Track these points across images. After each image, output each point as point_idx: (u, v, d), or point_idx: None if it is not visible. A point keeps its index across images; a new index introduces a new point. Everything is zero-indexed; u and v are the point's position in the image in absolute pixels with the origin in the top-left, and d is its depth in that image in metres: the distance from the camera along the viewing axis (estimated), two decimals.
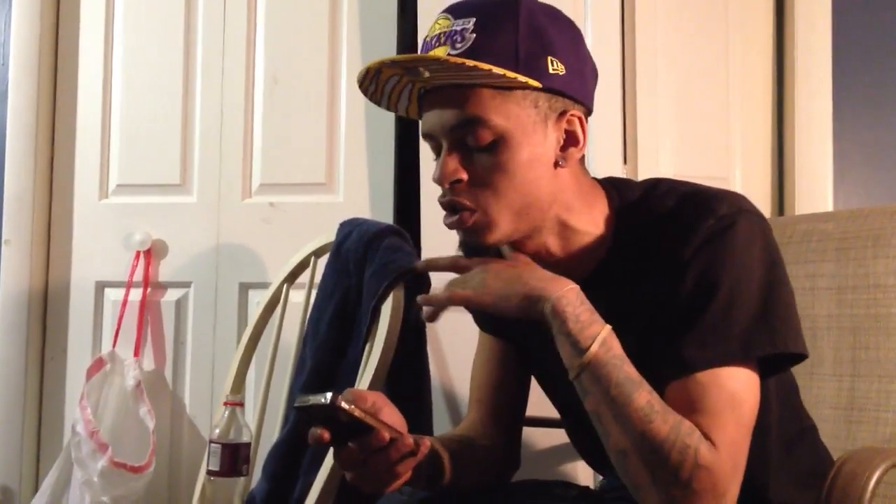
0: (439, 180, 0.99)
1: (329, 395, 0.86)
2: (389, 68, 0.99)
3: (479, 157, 0.98)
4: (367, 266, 1.64)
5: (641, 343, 0.95)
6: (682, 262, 0.96)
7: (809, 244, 1.50)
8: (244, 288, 2.13)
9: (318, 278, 1.77)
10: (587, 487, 1.31)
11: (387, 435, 0.91)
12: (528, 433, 1.76)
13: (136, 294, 2.13)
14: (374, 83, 1.02)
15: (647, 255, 1.00)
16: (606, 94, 1.96)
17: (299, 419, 1.34)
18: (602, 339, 0.92)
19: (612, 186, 1.08)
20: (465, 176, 0.98)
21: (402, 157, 2.07)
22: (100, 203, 2.21)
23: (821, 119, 2.05)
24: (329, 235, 1.77)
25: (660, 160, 2.00)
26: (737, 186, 2.07)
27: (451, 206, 1.00)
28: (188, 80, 2.18)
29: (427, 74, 0.98)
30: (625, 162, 1.97)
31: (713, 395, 0.92)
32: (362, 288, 1.63)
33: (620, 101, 1.97)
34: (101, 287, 2.19)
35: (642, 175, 1.96)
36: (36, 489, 2.09)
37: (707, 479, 0.88)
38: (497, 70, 0.93)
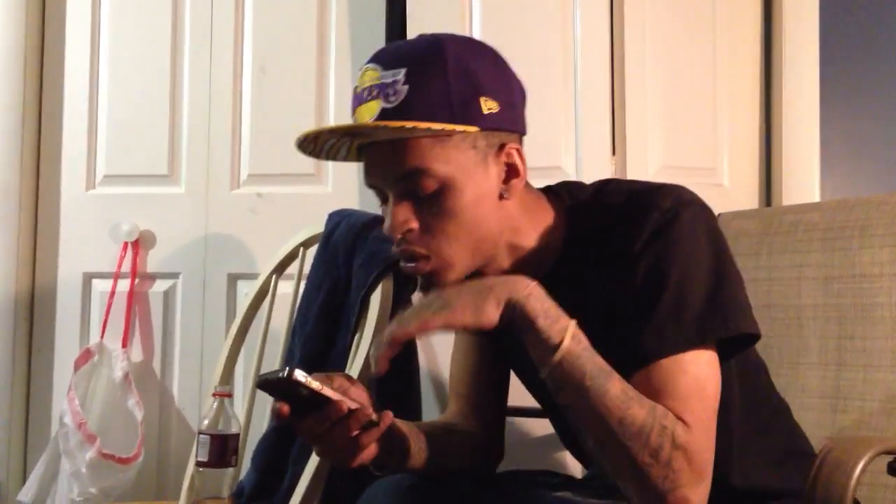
0: (390, 231, 1.01)
1: (286, 369, 0.90)
2: (328, 134, 1.01)
3: (426, 204, 1.00)
4: (356, 257, 1.64)
5: (598, 338, 0.97)
6: (632, 256, 0.98)
7: (796, 234, 1.51)
8: (232, 279, 2.13)
9: (306, 269, 1.77)
10: (571, 476, 1.32)
11: (345, 406, 0.95)
12: (515, 423, 1.78)
13: (123, 285, 2.12)
14: (312, 144, 1.04)
15: (598, 251, 1.03)
16: (595, 86, 1.97)
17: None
18: (572, 333, 0.93)
19: (564, 189, 1.10)
20: (415, 225, 1.00)
21: None
22: (87, 194, 2.20)
23: (808, 110, 2.06)
24: (318, 226, 1.76)
25: (648, 152, 2.01)
26: (724, 178, 2.08)
27: (406, 255, 1.02)
28: (175, 71, 2.17)
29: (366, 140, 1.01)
30: (613, 154, 1.97)
31: (677, 380, 0.94)
32: (351, 279, 1.63)
33: (609, 94, 1.98)
34: (88, 278, 2.18)
35: (631, 167, 1.97)
36: (23, 481, 2.09)
37: (685, 459, 0.91)
38: (434, 126, 0.95)
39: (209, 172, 2.15)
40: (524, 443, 1.84)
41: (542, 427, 1.79)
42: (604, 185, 1.08)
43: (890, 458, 0.99)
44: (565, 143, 1.95)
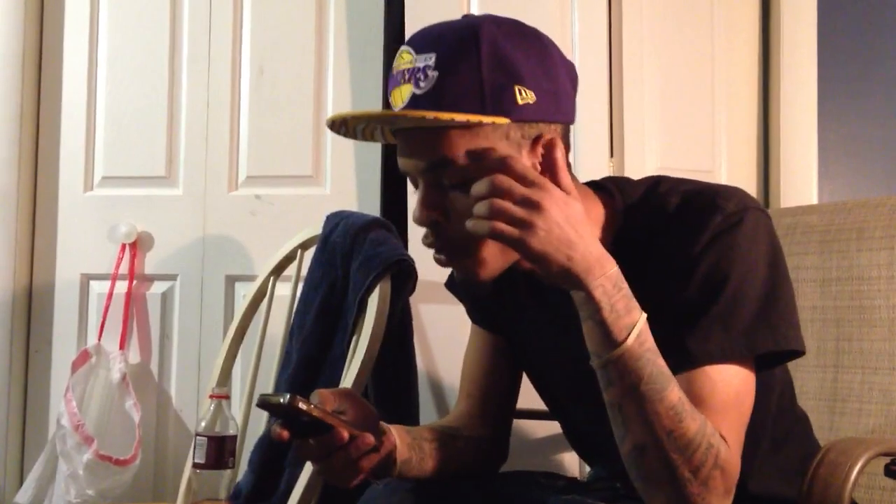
0: (419, 222, 0.99)
1: (287, 395, 0.89)
2: (354, 120, 0.98)
3: (456, 195, 0.96)
4: (354, 258, 1.64)
5: None
6: (691, 259, 0.96)
7: (794, 237, 1.51)
8: (230, 281, 2.12)
9: (304, 271, 1.76)
10: (574, 478, 1.32)
11: (345, 434, 0.93)
12: (519, 424, 1.78)
13: (121, 287, 2.12)
14: (343, 127, 1.02)
15: (653, 252, 1.00)
16: (593, 88, 1.97)
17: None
18: (638, 331, 0.89)
19: (613, 186, 1.07)
20: (441, 218, 0.97)
21: (389, 150, 2.07)
22: (85, 195, 2.20)
23: (805, 113, 2.07)
24: (316, 228, 1.76)
25: (646, 154, 2.01)
26: (722, 180, 2.08)
27: (435, 248, 0.99)
28: (174, 72, 2.17)
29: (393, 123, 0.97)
30: (611, 156, 1.97)
31: (720, 391, 0.93)
32: (349, 280, 1.63)
33: (607, 95, 1.98)
34: (86, 280, 2.18)
35: (629, 168, 1.97)
36: (21, 482, 2.08)
37: (721, 478, 0.90)
38: (460, 117, 0.92)
39: (207, 174, 2.14)
40: (525, 444, 1.84)
41: (543, 428, 1.79)
42: (655, 184, 1.05)
43: (887, 459, 0.99)
44: None
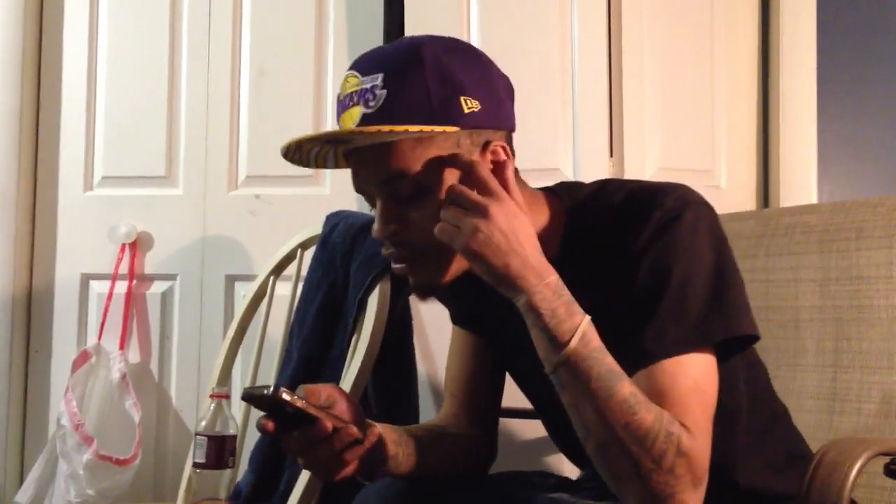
0: (377, 235, 1.02)
1: (271, 387, 0.90)
2: (309, 143, 1.02)
3: (412, 205, 0.99)
4: (354, 258, 1.64)
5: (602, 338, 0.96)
6: (634, 255, 0.98)
7: (793, 236, 1.51)
8: (230, 280, 2.12)
9: (304, 271, 1.77)
10: (566, 478, 1.32)
11: (329, 425, 0.95)
12: (509, 424, 1.78)
13: (121, 286, 2.12)
14: (297, 153, 1.06)
15: (599, 251, 1.02)
16: (592, 88, 1.97)
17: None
18: (581, 333, 0.92)
19: (562, 189, 1.10)
20: (400, 228, 1.00)
21: None
22: (85, 195, 2.20)
23: (805, 112, 2.07)
24: (316, 228, 1.76)
25: (646, 154, 2.01)
26: (722, 179, 2.08)
27: (398, 257, 1.02)
28: (173, 72, 2.17)
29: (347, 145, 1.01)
30: (611, 156, 1.98)
31: (679, 382, 0.94)
32: (349, 280, 1.64)
33: (606, 96, 1.98)
34: (86, 279, 2.18)
35: (629, 168, 1.97)
36: (21, 482, 2.08)
37: (687, 465, 0.90)
38: (412, 128, 0.95)
39: (207, 174, 2.15)
40: (517, 444, 1.84)
41: (534, 428, 1.78)
42: (604, 185, 1.08)
43: (886, 459, 0.99)
44: (563, 145, 1.95)
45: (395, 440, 1.11)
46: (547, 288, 0.93)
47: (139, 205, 2.16)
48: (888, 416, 1.35)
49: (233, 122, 2.14)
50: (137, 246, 2.14)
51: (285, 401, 0.91)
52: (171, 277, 2.15)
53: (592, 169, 1.90)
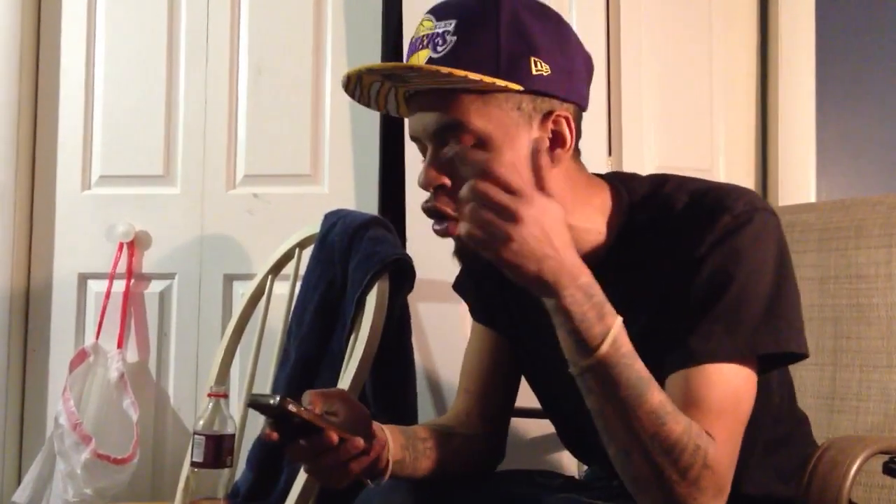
0: (423, 185, 0.99)
1: (278, 397, 0.89)
2: (369, 76, 0.99)
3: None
4: (352, 257, 1.63)
5: (646, 338, 0.95)
6: (697, 258, 0.96)
7: (792, 235, 1.51)
8: (228, 279, 2.12)
9: (302, 269, 1.76)
10: (571, 477, 1.32)
11: (335, 437, 0.94)
12: (517, 423, 1.77)
13: (119, 286, 2.12)
14: (357, 88, 1.02)
15: (657, 249, 1.00)
16: (591, 86, 1.97)
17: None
18: (612, 338, 0.87)
19: (618, 182, 1.07)
20: (447, 181, 0.98)
21: (387, 148, 2.07)
22: (82, 194, 2.19)
23: (804, 111, 2.07)
24: (314, 227, 1.76)
25: (644, 152, 2.01)
26: (720, 177, 2.08)
27: (434, 213, 0.99)
28: (171, 71, 2.17)
29: (407, 81, 0.97)
30: (609, 154, 1.97)
31: (718, 391, 0.92)
32: (347, 279, 1.63)
33: (605, 93, 1.98)
34: (83, 279, 2.17)
35: (627, 167, 1.97)
36: (18, 482, 2.08)
37: (711, 478, 0.89)
38: (472, 76, 0.93)
39: (205, 173, 2.14)
40: (522, 443, 1.84)
41: (540, 427, 1.79)
42: (661, 182, 1.05)
43: (885, 457, 0.99)
44: None
45: (402, 444, 1.10)
46: (579, 290, 0.88)
47: (137, 204, 2.16)
48: (887, 415, 1.35)
49: (231, 120, 2.14)
50: (135, 245, 2.14)
51: (291, 412, 0.90)
52: (169, 276, 2.15)
53: (591, 167, 1.88)
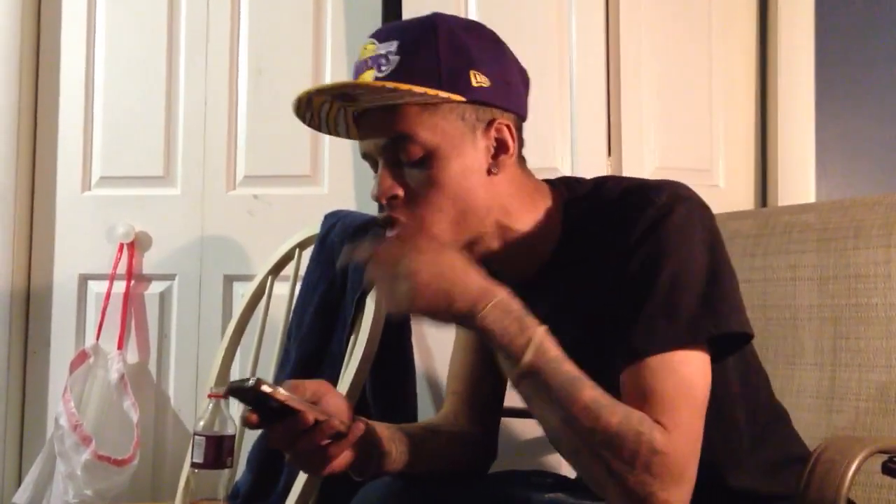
0: (376, 197, 1.02)
1: (253, 379, 0.92)
2: (318, 97, 1.02)
3: (413, 172, 1.01)
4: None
5: (595, 334, 0.96)
6: (626, 251, 0.98)
7: (791, 235, 1.52)
8: (228, 280, 2.12)
9: (302, 270, 1.76)
10: (565, 477, 1.32)
11: (311, 417, 0.95)
12: (507, 423, 1.78)
13: (119, 287, 2.12)
14: (309, 111, 1.05)
15: (594, 246, 1.02)
16: (590, 87, 1.97)
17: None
18: (535, 346, 0.92)
19: (562, 184, 1.11)
20: (400, 192, 1.01)
21: None
22: (82, 195, 2.20)
23: (803, 111, 2.07)
24: (314, 227, 1.76)
25: (644, 153, 2.01)
26: (720, 179, 2.08)
27: (390, 222, 1.02)
28: (171, 72, 2.17)
29: (355, 99, 1.01)
30: (609, 155, 1.98)
31: (665, 379, 0.93)
32: (346, 279, 1.64)
33: (604, 94, 1.98)
34: (84, 280, 2.18)
35: (627, 168, 1.97)
36: (19, 483, 2.08)
37: (663, 464, 0.90)
38: (417, 89, 0.97)
39: (205, 174, 2.14)
40: (516, 443, 1.84)
41: (533, 428, 1.79)
42: (602, 181, 1.09)
43: (884, 457, 0.99)
44: (561, 144, 1.95)
45: (388, 437, 1.11)
46: (495, 309, 0.93)
47: (137, 205, 2.16)
48: (886, 415, 1.35)
49: (231, 121, 2.14)
50: (135, 246, 2.14)
51: (266, 393, 0.92)
52: (170, 277, 2.15)
53: (590, 168, 1.90)
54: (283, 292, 1.75)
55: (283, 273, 1.80)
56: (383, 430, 1.11)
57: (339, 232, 1.69)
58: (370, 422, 1.10)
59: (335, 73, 2.09)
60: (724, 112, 2.10)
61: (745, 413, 1.10)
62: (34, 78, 2.23)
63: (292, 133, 2.09)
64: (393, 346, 1.63)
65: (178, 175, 2.16)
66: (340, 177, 2.09)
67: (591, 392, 0.91)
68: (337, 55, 2.09)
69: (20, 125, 2.18)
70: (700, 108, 2.09)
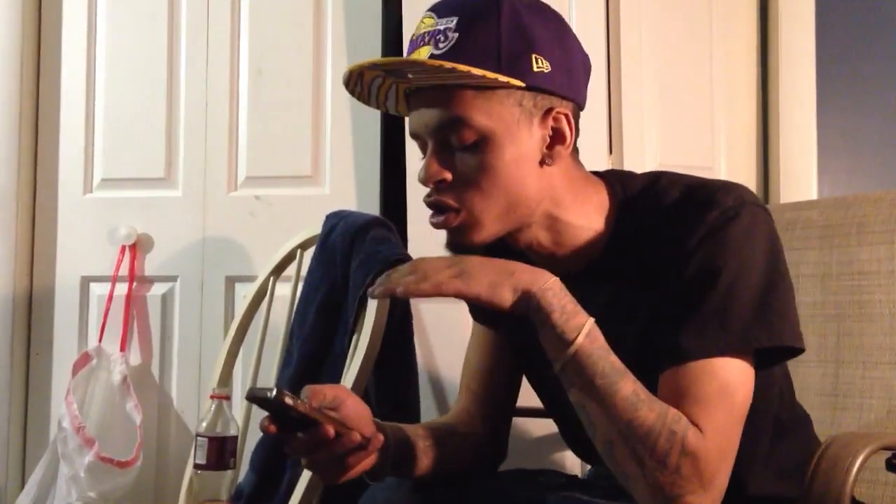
0: (424, 181, 1.00)
1: (275, 390, 0.90)
2: (371, 71, 0.99)
3: (464, 156, 0.98)
4: (354, 258, 1.64)
5: (643, 333, 0.95)
6: (685, 253, 0.96)
7: (794, 232, 1.51)
8: (230, 281, 2.12)
9: (304, 271, 1.76)
10: (575, 476, 1.32)
11: (332, 430, 0.94)
12: (518, 423, 1.77)
13: (121, 288, 2.12)
14: (358, 84, 1.03)
15: (650, 245, 1.00)
16: (591, 84, 1.96)
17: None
18: (587, 330, 0.92)
19: (614, 179, 1.08)
20: (449, 176, 0.99)
21: (388, 149, 2.07)
22: (84, 197, 2.20)
23: (804, 108, 2.06)
24: (315, 228, 1.76)
25: (645, 150, 2.00)
26: (722, 175, 2.07)
27: (436, 206, 1.00)
28: (172, 73, 2.17)
29: (410, 76, 0.98)
30: (610, 152, 1.97)
31: (704, 383, 0.92)
32: (348, 280, 1.63)
33: (605, 91, 1.97)
34: (86, 282, 2.18)
35: (628, 165, 1.97)
36: (22, 485, 2.08)
37: (694, 466, 0.89)
38: (476, 71, 0.93)
39: (206, 175, 2.14)
40: (526, 442, 1.83)
41: (543, 427, 1.79)
42: (656, 178, 1.06)
43: (888, 453, 0.99)
44: None
45: (402, 441, 1.10)
46: (556, 284, 0.94)
47: (139, 207, 2.16)
48: (890, 412, 1.34)
49: (232, 122, 2.14)
50: (137, 248, 2.14)
51: (288, 405, 0.90)
52: (172, 279, 2.15)
53: (591, 166, 1.87)
54: (285, 293, 1.75)
55: (284, 274, 1.80)
56: (398, 432, 1.10)
57: (340, 232, 1.69)
58: (385, 424, 1.09)
59: (336, 73, 2.09)
60: (726, 109, 2.09)
61: (772, 419, 1.09)
62: (35, 81, 2.23)
63: (293, 133, 2.10)
64: (395, 345, 1.63)
65: (180, 176, 2.16)
66: (342, 177, 2.09)
67: (632, 385, 0.91)
68: (337, 55, 2.09)
69: (21, 128, 2.18)
70: (701, 105, 2.08)
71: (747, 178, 2.11)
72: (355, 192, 2.07)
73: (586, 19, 1.95)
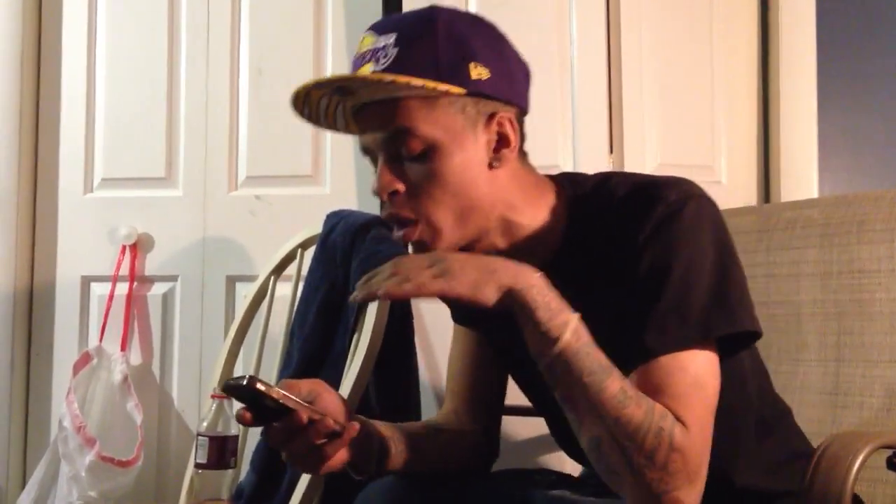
0: (377, 192, 1.01)
1: (247, 377, 0.91)
2: (317, 91, 1.01)
3: (413, 166, 1.00)
4: (354, 257, 1.64)
5: (600, 333, 0.96)
6: (635, 250, 0.97)
7: (794, 231, 1.51)
8: (231, 281, 2.12)
9: (305, 270, 1.76)
10: (568, 474, 1.32)
11: (304, 416, 0.95)
12: (509, 422, 1.77)
13: (122, 288, 2.12)
14: (306, 106, 1.04)
15: (600, 244, 1.01)
16: (592, 84, 1.97)
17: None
18: (573, 328, 0.92)
19: (566, 180, 1.09)
20: (401, 186, 1.00)
21: None
22: (85, 197, 2.20)
23: (805, 107, 2.06)
24: (316, 227, 1.76)
25: (646, 150, 2.00)
26: (722, 174, 2.08)
27: (395, 219, 1.01)
28: (172, 73, 2.17)
29: (354, 92, 1.00)
30: (611, 152, 1.97)
31: (677, 378, 0.93)
32: (349, 279, 1.63)
33: (606, 92, 1.97)
34: (86, 282, 2.18)
35: (629, 165, 1.97)
36: (23, 485, 2.08)
37: (681, 461, 0.90)
38: (416, 81, 0.95)
39: (207, 175, 2.14)
40: (519, 442, 1.84)
41: (536, 426, 1.78)
42: (607, 178, 1.07)
43: (889, 452, 0.99)
44: (562, 142, 1.95)
45: (388, 436, 1.11)
46: (540, 280, 0.94)
47: (139, 206, 2.16)
48: (891, 410, 1.34)
49: (232, 122, 2.14)
50: (138, 247, 2.14)
51: (260, 391, 0.91)
52: (172, 279, 2.15)
53: (592, 165, 1.90)
54: (286, 293, 1.75)
55: (285, 273, 1.80)
56: (383, 428, 1.11)
57: (341, 231, 1.69)
58: (369, 420, 1.10)
59: (336, 72, 2.09)
60: (726, 108, 2.09)
61: (749, 410, 1.10)
62: (35, 80, 2.23)
63: (294, 133, 2.10)
64: (396, 345, 1.63)
65: (180, 176, 2.16)
66: (342, 176, 2.09)
67: (619, 382, 0.91)
68: (337, 55, 2.09)
69: (22, 128, 2.18)
70: (702, 104, 2.08)
71: (748, 177, 2.11)
72: (356, 192, 2.07)
73: (586, 19, 1.96)
